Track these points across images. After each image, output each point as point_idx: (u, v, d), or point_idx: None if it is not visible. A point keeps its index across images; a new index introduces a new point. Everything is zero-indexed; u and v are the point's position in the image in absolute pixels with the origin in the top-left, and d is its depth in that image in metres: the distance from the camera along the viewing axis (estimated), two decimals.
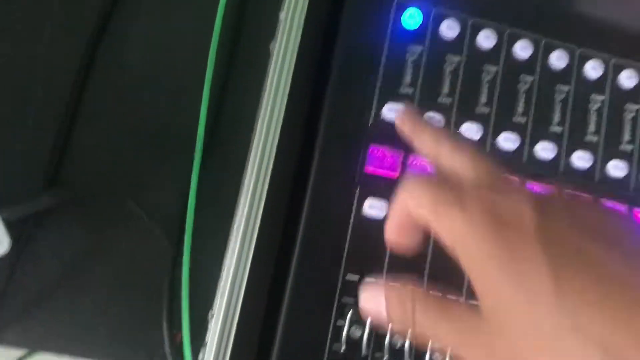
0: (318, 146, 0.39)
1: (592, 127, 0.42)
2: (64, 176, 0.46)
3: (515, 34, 0.42)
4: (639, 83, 0.43)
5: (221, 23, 0.48)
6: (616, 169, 0.42)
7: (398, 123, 0.35)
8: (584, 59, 0.43)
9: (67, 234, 0.46)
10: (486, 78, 0.41)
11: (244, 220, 0.38)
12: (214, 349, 0.36)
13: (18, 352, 0.44)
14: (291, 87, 0.39)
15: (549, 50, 0.42)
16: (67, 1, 0.48)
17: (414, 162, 0.40)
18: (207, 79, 0.47)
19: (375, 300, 0.30)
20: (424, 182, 0.28)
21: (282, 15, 0.42)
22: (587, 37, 0.42)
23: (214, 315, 0.37)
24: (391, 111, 0.40)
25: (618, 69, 0.43)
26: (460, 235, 0.27)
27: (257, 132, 0.40)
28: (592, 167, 0.42)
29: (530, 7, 0.42)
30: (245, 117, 0.43)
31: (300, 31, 0.41)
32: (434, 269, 0.39)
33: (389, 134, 0.39)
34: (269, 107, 0.40)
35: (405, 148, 0.39)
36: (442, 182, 0.29)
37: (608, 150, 0.42)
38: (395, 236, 0.31)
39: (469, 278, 0.27)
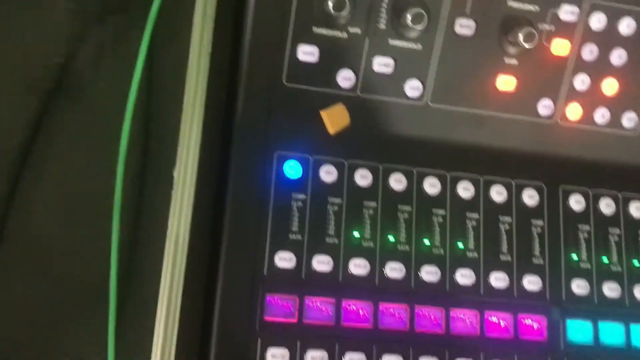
0: (218, 299, 0.42)
1: (470, 243, 0.46)
2: None
3: (389, 168, 0.46)
4: (508, 197, 0.47)
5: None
6: (498, 280, 0.46)
7: None
8: (455, 180, 0.47)
9: None
10: (367, 213, 0.45)
11: None
12: None
13: None
14: (188, 253, 0.42)
15: (422, 178, 0.46)
16: None
17: (310, 305, 0.43)
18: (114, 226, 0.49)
19: None
20: None
21: (175, 173, 0.45)
22: (451, 162, 0.47)
23: None
24: (283, 260, 0.43)
25: (487, 186, 0.47)
26: None
27: (162, 286, 0.42)
28: (476, 282, 0.46)
29: (398, 142, 0.46)
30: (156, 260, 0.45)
31: (193, 190, 0.44)
32: None
33: (284, 281, 0.42)
34: (169, 265, 0.42)
35: (300, 293, 0.42)
36: None
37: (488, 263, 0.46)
38: None
39: None
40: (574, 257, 0.47)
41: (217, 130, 0.45)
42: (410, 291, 0.44)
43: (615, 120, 0.49)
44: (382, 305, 0.43)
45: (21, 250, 0.48)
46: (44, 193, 0.50)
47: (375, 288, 0.44)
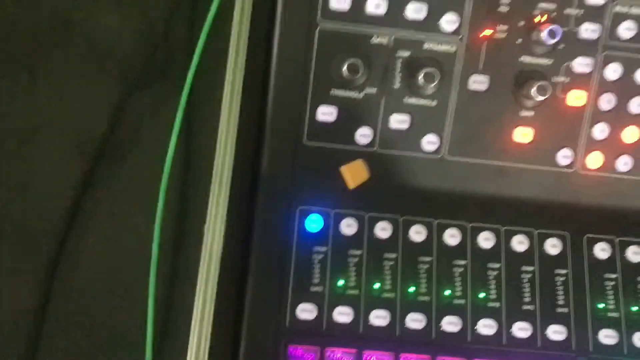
0: (242, 350, 0.44)
1: (492, 293, 0.47)
2: None
3: (409, 220, 0.47)
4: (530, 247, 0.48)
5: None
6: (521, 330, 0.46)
7: None
8: (475, 231, 0.48)
9: None
10: (388, 264, 0.46)
11: None
12: None
13: None
14: (215, 308, 0.44)
15: (442, 230, 0.47)
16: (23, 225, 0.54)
17: (331, 356, 0.44)
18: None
19: None
20: None
21: (205, 228, 0.48)
22: (471, 213, 0.48)
23: None
24: (304, 311, 0.44)
25: (509, 235, 0.48)
26: None
27: (190, 339, 0.45)
28: (498, 332, 0.46)
29: (417, 195, 0.48)
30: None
31: (220, 245, 0.46)
32: None
33: (305, 332, 0.44)
34: (197, 321, 0.45)
35: (321, 343, 0.44)
36: None
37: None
38: None
39: None
40: (600, 306, 0.47)
41: (244, 189, 0.48)
42: (431, 341, 0.45)
43: (637, 167, 0.49)
44: (403, 356, 0.44)
45: (66, 306, 0.52)
46: (89, 250, 0.54)
47: (396, 339, 0.45)
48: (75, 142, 0.55)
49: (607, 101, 0.48)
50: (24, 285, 0.52)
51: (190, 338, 0.45)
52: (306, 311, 0.44)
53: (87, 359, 0.52)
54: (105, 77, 0.55)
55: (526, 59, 0.47)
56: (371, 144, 0.48)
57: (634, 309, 0.47)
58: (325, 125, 0.47)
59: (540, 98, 0.46)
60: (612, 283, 0.48)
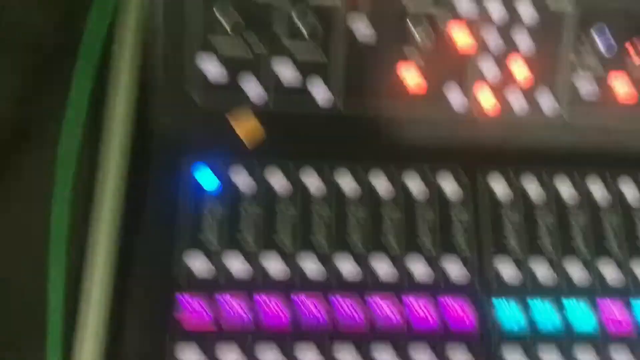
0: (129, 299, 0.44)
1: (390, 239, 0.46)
2: None
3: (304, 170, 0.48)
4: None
5: None
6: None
7: None
8: (369, 176, 0.48)
9: None
10: (283, 214, 0.46)
11: None
12: None
13: None
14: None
15: (337, 177, 0.47)
16: None
17: (221, 300, 0.44)
18: None
19: None
20: None
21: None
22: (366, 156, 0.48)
23: None
24: (195, 261, 0.44)
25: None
26: None
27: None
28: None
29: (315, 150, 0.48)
30: None
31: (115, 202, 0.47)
32: None
33: (195, 282, 0.44)
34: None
35: (212, 290, 0.44)
36: None
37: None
38: None
39: None
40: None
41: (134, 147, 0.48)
42: (324, 283, 0.44)
43: (530, 104, 0.49)
44: (295, 296, 0.44)
45: None
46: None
47: (287, 282, 0.44)
48: None
49: (493, 39, 0.48)
50: None
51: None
52: (196, 261, 0.44)
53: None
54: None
55: (410, 3, 0.48)
56: (266, 103, 0.48)
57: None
58: (216, 84, 0.48)
59: (426, 42, 0.47)
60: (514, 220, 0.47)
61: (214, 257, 0.45)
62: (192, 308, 0.43)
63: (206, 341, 0.43)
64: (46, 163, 0.53)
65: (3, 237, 0.54)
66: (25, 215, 0.54)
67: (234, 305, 0.44)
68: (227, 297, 0.44)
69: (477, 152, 0.49)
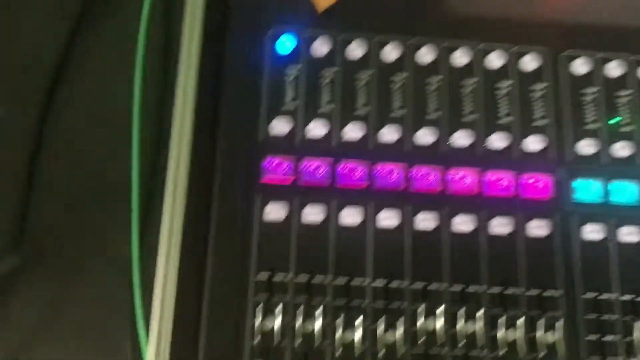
0: (218, 166, 0.44)
1: (467, 108, 0.46)
2: (26, 236, 0.52)
3: (383, 40, 0.47)
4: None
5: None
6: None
7: None
8: (450, 49, 0.47)
9: (35, 289, 0.51)
10: (361, 83, 0.46)
11: (165, 234, 0.44)
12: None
13: None
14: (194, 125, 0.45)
15: (416, 48, 0.47)
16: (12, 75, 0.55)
17: (307, 166, 0.44)
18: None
19: None
20: None
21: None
22: (445, 30, 0.47)
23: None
24: (278, 126, 0.45)
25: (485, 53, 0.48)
26: None
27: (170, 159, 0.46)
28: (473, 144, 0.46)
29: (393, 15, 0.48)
30: None
31: (196, 72, 0.47)
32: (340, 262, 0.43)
33: (280, 146, 0.44)
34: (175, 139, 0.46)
35: (297, 154, 0.44)
36: None
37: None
38: None
39: None
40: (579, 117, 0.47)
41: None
42: (406, 153, 0.45)
43: None
44: (379, 165, 0.45)
45: (59, 149, 0.54)
46: (76, 105, 0.55)
47: (370, 150, 0.45)
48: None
49: None
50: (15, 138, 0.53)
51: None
52: (280, 126, 0.45)
53: (77, 209, 0.53)
54: None
55: None
56: None
57: (612, 122, 0.47)
58: None
59: None
60: (592, 97, 0.47)
61: (298, 124, 0.45)
62: (278, 169, 0.44)
63: (291, 196, 0.44)
64: None
65: None
66: None
67: (317, 166, 0.44)
68: (310, 159, 0.44)
69: (557, 27, 0.48)
